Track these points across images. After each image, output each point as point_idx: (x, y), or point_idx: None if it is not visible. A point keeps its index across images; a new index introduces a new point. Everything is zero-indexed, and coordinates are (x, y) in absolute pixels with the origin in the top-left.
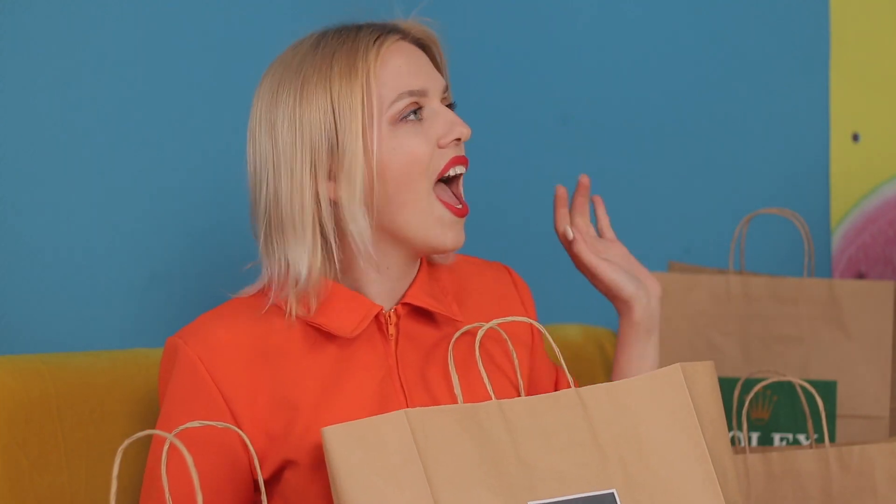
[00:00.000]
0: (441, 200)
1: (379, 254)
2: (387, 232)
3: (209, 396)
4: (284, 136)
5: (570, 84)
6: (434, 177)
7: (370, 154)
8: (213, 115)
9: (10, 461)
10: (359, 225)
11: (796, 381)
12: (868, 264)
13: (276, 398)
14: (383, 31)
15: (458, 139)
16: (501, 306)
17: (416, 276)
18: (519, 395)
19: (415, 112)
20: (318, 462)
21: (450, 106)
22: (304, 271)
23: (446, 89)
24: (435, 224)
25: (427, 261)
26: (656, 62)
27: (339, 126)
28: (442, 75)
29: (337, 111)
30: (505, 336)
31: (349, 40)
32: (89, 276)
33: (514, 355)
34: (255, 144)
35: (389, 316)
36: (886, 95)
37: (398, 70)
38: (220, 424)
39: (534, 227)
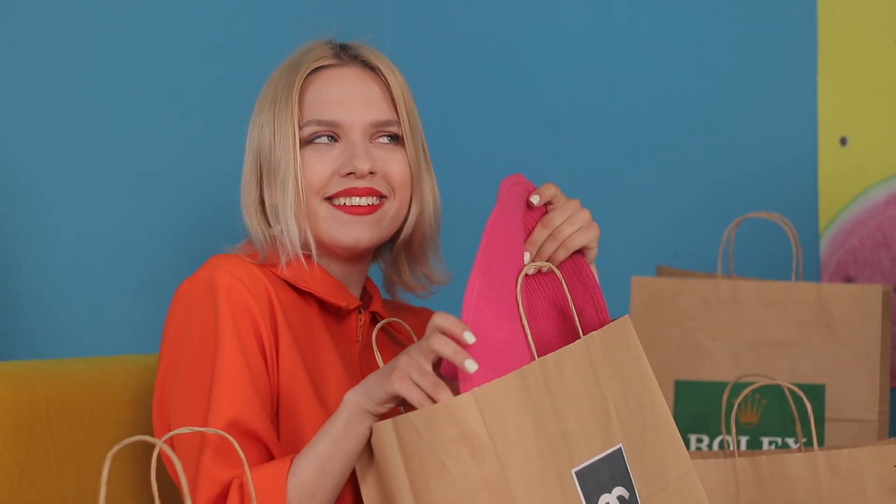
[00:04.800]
0: (335, 206)
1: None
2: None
3: (243, 303)
4: (252, 138)
5: (560, 89)
6: (326, 197)
7: (293, 168)
8: (203, 125)
9: (0, 467)
10: (290, 231)
11: (785, 384)
12: (856, 268)
13: (273, 333)
14: (326, 57)
15: (353, 173)
16: None
17: (372, 295)
18: None
19: (330, 137)
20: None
21: (393, 137)
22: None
23: (384, 124)
24: (331, 224)
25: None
26: (645, 67)
27: (274, 141)
28: (389, 106)
29: (275, 127)
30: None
31: (302, 63)
32: (79, 284)
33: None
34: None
35: (360, 319)
36: (874, 99)
37: (316, 99)
38: (210, 430)
39: None
